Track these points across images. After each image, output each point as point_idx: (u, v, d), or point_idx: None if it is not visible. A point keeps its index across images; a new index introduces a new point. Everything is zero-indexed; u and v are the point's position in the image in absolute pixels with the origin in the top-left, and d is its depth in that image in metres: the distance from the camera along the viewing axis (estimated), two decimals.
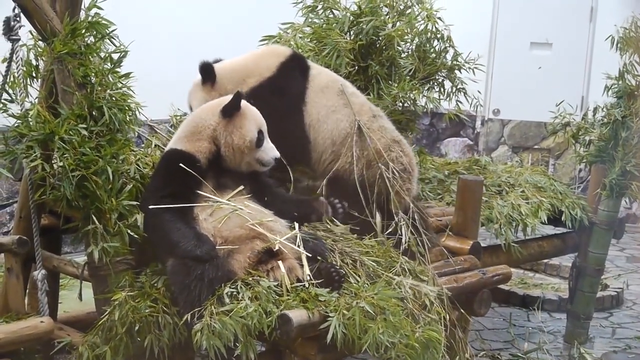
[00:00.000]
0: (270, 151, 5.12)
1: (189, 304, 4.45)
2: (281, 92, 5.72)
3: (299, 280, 4.58)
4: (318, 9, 6.79)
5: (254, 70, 5.76)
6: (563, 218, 7.24)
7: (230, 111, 5.00)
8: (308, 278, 4.58)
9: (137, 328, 4.61)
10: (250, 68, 5.78)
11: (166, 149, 5.10)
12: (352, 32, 6.71)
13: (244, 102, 5.07)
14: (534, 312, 8.34)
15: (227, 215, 4.73)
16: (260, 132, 5.06)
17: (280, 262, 4.60)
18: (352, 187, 5.57)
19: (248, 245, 4.66)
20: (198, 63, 5.67)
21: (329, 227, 5.22)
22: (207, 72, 5.67)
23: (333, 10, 6.80)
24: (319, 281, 4.59)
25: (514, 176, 7.52)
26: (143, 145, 5.73)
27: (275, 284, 4.51)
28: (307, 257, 4.67)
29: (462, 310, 5.63)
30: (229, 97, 5.03)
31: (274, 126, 5.22)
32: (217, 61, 5.81)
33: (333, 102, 5.75)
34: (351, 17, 6.69)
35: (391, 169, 5.65)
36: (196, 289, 4.45)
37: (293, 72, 5.80)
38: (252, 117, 5.08)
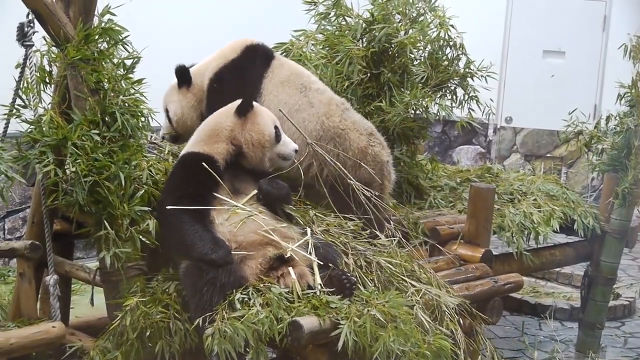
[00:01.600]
0: (289, 144, 5.16)
1: (200, 308, 4.45)
2: (241, 76, 5.65)
3: (310, 287, 4.58)
4: (330, 16, 6.79)
5: (218, 57, 5.75)
6: (575, 227, 7.22)
7: (245, 110, 5.04)
8: (319, 286, 4.58)
9: (148, 333, 4.61)
10: (216, 57, 5.77)
11: (182, 152, 5.11)
12: (364, 40, 6.71)
13: (255, 102, 5.12)
14: (546, 321, 8.30)
15: (243, 220, 4.73)
16: (276, 127, 5.11)
17: (290, 269, 4.60)
18: (345, 190, 5.44)
19: (261, 251, 4.66)
20: (175, 70, 5.70)
21: (342, 224, 5.23)
22: (183, 74, 5.66)
23: (345, 17, 6.80)
24: (331, 289, 4.59)
25: (526, 184, 7.51)
26: (155, 151, 5.74)
27: (286, 290, 4.51)
28: (319, 264, 4.66)
29: (476, 318, 5.62)
30: (239, 101, 5.07)
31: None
32: (193, 65, 5.81)
33: (296, 100, 5.59)
34: (364, 25, 6.69)
35: (382, 170, 5.72)
36: (208, 293, 4.45)
37: (254, 57, 5.73)
38: (266, 114, 5.14)
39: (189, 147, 5.06)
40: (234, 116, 5.05)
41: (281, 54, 6.48)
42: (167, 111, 5.74)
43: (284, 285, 4.55)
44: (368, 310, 4.45)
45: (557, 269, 9.76)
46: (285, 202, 5.01)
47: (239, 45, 5.76)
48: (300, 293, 4.51)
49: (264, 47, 5.83)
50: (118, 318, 4.68)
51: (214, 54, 5.79)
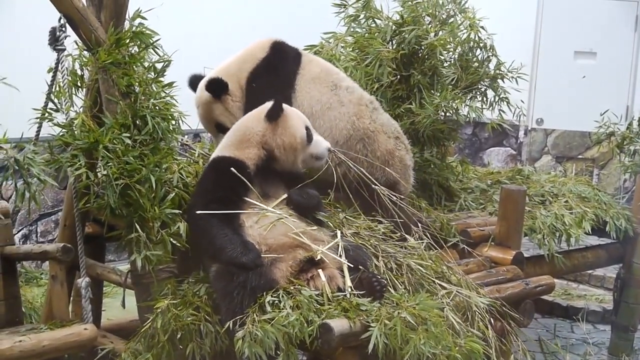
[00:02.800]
0: (322, 143, 5.18)
1: (231, 311, 4.46)
2: (276, 71, 5.68)
3: (340, 290, 4.58)
4: (360, 18, 6.78)
5: (248, 57, 5.74)
6: (607, 229, 7.17)
7: (275, 116, 5.03)
8: (349, 289, 4.58)
9: (179, 336, 4.63)
10: (244, 57, 5.75)
11: (212, 156, 5.12)
12: (394, 42, 6.69)
13: (284, 105, 5.12)
14: (578, 324, 8.25)
15: (273, 223, 4.74)
16: (307, 128, 5.11)
17: (320, 271, 4.59)
18: (371, 194, 5.42)
19: (291, 254, 4.67)
20: (188, 80, 5.70)
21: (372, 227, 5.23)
22: (219, 84, 5.61)
23: (375, 19, 6.79)
24: (361, 292, 4.58)
25: (558, 186, 7.46)
26: (187, 153, 5.76)
27: (317, 293, 4.51)
28: (349, 266, 4.66)
29: (507, 319, 5.59)
30: (269, 104, 5.06)
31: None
32: (198, 76, 5.77)
33: (328, 98, 5.65)
34: (393, 27, 6.68)
35: (405, 173, 5.78)
36: (239, 296, 4.46)
37: (285, 54, 5.76)
38: (297, 116, 5.14)
39: (220, 150, 5.07)
40: (264, 121, 5.04)
41: None
42: (220, 126, 5.64)
43: (313, 287, 4.55)
44: (398, 313, 4.44)
45: (589, 271, 9.71)
46: (316, 211, 5.03)
47: (266, 44, 5.79)
48: (330, 295, 4.51)
49: (289, 44, 5.86)
50: (149, 320, 4.70)
51: (240, 54, 5.79)
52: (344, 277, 4.62)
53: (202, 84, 5.63)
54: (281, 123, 5.04)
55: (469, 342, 4.63)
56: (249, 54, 5.76)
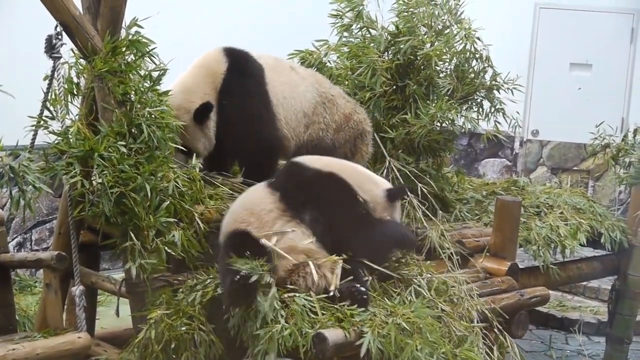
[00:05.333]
0: None
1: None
2: (244, 76, 5.79)
3: (326, 290, 4.60)
4: (353, 27, 6.77)
5: (208, 73, 5.76)
6: (602, 240, 7.18)
7: (398, 198, 5.30)
8: (335, 288, 4.60)
9: (173, 346, 4.62)
10: (204, 75, 5.76)
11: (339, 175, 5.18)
12: (389, 52, 6.70)
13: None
14: (573, 335, 8.25)
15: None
16: None
17: (311, 263, 4.63)
18: (326, 152, 5.78)
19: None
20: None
21: None
22: (206, 110, 5.65)
23: (370, 29, 6.79)
24: (345, 302, 4.60)
25: (553, 197, 7.46)
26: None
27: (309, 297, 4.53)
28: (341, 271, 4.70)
29: (502, 332, 5.59)
30: (384, 180, 5.41)
31: (245, 112, 5.66)
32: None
33: (290, 78, 5.94)
34: (388, 37, 6.68)
35: (363, 137, 6.18)
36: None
37: (242, 56, 5.89)
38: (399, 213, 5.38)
39: (348, 177, 5.16)
40: (383, 194, 5.17)
41: (298, 62, 6.56)
42: (186, 150, 5.57)
43: (304, 286, 4.58)
44: (393, 320, 4.44)
45: (584, 283, 9.72)
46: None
47: (219, 55, 5.83)
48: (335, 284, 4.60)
49: (234, 47, 5.95)
50: (142, 331, 4.69)
51: (196, 72, 5.78)
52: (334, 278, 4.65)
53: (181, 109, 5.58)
54: (396, 206, 5.29)
55: (465, 351, 4.63)
56: (208, 70, 5.78)
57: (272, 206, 4.92)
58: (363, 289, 4.67)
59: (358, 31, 6.79)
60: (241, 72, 5.78)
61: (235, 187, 5.68)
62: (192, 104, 5.61)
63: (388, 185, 5.34)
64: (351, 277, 4.70)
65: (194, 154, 5.57)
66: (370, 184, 5.20)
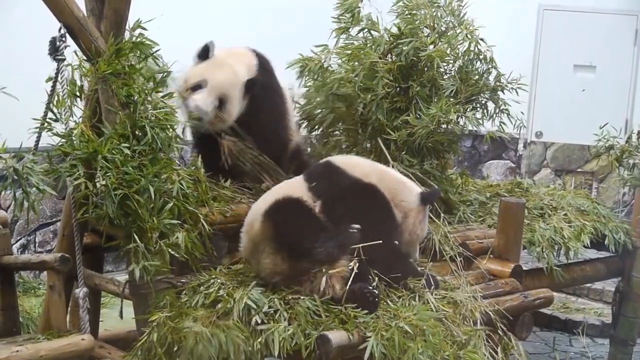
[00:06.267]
0: None
1: None
2: (271, 76, 6.23)
3: (333, 299, 4.61)
4: (351, 30, 6.74)
5: (244, 64, 6.07)
6: (606, 242, 7.16)
7: (430, 201, 5.54)
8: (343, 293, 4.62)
9: (176, 348, 4.61)
10: (238, 62, 6.08)
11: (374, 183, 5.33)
12: (392, 54, 6.69)
13: None
14: (577, 337, 8.24)
15: None
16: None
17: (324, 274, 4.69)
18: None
19: None
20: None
21: None
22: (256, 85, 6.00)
23: (371, 31, 6.77)
24: (354, 304, 4.60)
25: (557, 199, 7.45)
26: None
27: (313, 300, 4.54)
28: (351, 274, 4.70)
29: (506, 334, 5.58)
30: (413, 184, 5.54)
31: (272, 106, 6.11)
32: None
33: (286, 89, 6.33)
34: (390, 38, 6.66)
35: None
36: None
37: (266, 59, 6.25)
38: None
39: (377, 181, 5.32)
40: (417, 198, 5.36)
41: (300, 69, 6.58)
42: (225, 101, 5.83)
43: (309, 290, 4.60)
44: (396, 323, 4.44)
45: (588, 285, 9.70)
46: None
47: (249, 52, 6.22)
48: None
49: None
50: (145, 334, 4.68)
51: (232, 58, 6.05)
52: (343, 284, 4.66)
53: None
54: (423, 213, 5.51)
55: (469, 353, 4.62)
56: (243, 60, 6.11)
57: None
58: (376, 291, 4.69)
59: (358, 33, 6.76)
60: (269, 71, 6.15)
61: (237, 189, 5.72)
62: (241, 77, 5.92)
63: (419, 189, 5.53)
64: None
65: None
66: (405, 191, 5.39)
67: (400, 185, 5.43)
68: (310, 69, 6.54)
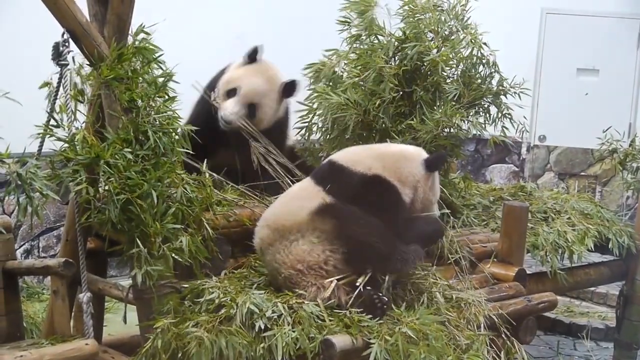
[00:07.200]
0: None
1: None
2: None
3: (339, 306, 4.60)
4: (362, 36, 6.75)
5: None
6: (610, 245, 7.15)
7: (437, 167, 5.50)
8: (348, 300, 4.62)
9: (180, 354, 4.61)
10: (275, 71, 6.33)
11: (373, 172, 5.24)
12: (396, 58, 6.69)
13: None
14: (581, 341, 8.23)
15: None
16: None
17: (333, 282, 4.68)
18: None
19: None
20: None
21: None
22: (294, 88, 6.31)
23: (378, 36, 6.77)
24: (361, 309, 4.59)
25: (560, 203, 7.45)
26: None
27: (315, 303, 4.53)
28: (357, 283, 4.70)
29: (510, 338, 5.57)
30: (418, 150, 5.52)
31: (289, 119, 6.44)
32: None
33: None
34: (396, 43, 6.67)
35: None
36: None
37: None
38: (438, 175, 5.46)
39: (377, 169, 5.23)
40: (422, 167, 5.31)
41: (314, 74, 6.56)
42: (256, 109, 6.06)
43: (313, 296, 4.62)
44: (399, 329, 4.43)
45: (592, 288, 9.69)
46: None
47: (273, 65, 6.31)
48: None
49: None
50: (149, 341, 4.67)
51: (263, 66, 6.20)
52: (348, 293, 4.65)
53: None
54: (433, 177, 5.46)
55: (472, 357, 4.62)
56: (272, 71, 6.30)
57: None
58: (385, 298, 4.68)
59: (366, 38, 6.77)
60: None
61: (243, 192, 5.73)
62: (277, 82, 6.19)
63: (422, 156, 5.46)
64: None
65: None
66: (407, 164, 5.32)
67: (401, 161, 5.34)
68: (324, 73, 6.53)
